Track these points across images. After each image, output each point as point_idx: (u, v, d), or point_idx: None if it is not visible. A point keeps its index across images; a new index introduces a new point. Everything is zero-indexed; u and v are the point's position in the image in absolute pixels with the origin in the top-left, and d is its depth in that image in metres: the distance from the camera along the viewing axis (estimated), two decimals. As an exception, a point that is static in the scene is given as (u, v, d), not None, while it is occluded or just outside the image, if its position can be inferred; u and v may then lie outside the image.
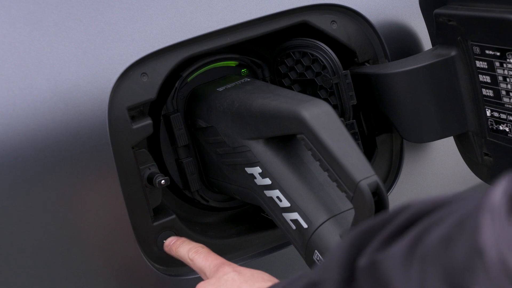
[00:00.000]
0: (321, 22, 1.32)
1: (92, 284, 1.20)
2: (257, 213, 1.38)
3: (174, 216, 1.26)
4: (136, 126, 1.19)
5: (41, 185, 1.12)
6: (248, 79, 1.31)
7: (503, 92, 1.18)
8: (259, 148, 1.19)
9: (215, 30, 1.23)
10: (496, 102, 1.20)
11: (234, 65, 1.36)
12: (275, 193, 1.17)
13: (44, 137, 1.11)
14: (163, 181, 1.21)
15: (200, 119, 1.29)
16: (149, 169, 1.23)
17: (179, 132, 1.29)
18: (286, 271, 1.35)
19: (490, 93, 1.21)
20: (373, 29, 1.34)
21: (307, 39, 1.32)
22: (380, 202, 1.02)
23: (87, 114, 1.14)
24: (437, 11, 1.24)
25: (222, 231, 1.35)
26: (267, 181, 1.18)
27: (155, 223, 1.24)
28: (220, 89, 1.28)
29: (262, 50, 1.40)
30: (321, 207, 1.11)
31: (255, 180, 1.20)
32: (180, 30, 1.21)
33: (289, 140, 1.19)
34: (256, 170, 1.19)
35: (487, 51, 1.18)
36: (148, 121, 1.20)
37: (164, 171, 1.31)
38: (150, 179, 1.22)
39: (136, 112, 1.21)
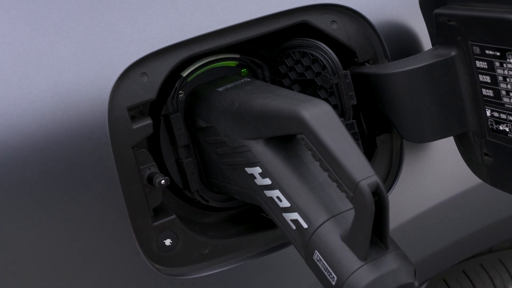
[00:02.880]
0: (321, 22, 1.32)
1: (92, 284, 1.20)
2: (257, 213, 1.38)
3: (174, 216, 1.26)
4: (136, 126, 1.19)
5: (41, 185, 1.12)
6: (248, 79, 1.31)
7: (503, 92, 1.18)
8: (259, 148, 1.19)
9: (215, 30, 1.23)
10: (496, 102, 1.20)
11: (234, 65, 1.36)
12: (275, 193, 1.17)
13: (44, 137, 1.11)
14: (163, 181, 1.21)
15: (200, 119, 1.29)
16: (149, 169, 1.23)
17: (179, 132, 1.29)
18: (286, 271, 1.35)
19: (490, 93, 1.21)
20: (373, 29, 1.34)
21: (307, 39, 1.32)
22: (380, 202, 1.02)
23: (87, 114, 1.14)
24: (437, 11, 1.24)
25: (222, 231, 1.35)
26: (267, 181, 1.18)
27: (155, 223, 1.24)
28: (220, 89, 1.28)
29: (262, 50, 1.40)
30: (321, 207, 1.11)
31: (255, 180, 1.20)
32: (180, 30, 1.21)
33: (289, 140, 1.19)
34: (256, 170, 1.19)
35: (487, 51, 1.18)
36: (148, 121, 1.20)
37: (164, 171, 1.31)
38: (150, 179, 1.22)
39: (136, 112, 1.21)
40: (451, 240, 1.54)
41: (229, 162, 1.26)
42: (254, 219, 1.38)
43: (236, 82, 1.30)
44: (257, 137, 1.19)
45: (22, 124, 1.10)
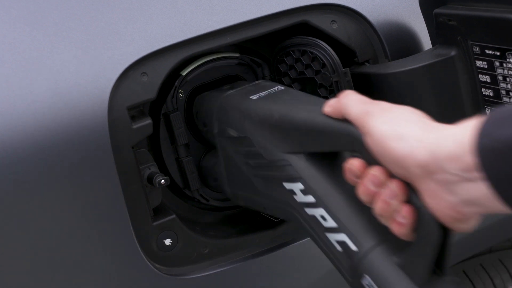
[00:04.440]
0: (321, 22, 1.32)
1: (92, 284, 1.20)
2: (257, 213, 1.38)
3: (174, 216, 1.26)
4: (136, 126, 1.19)
5: (41, 185, 1.12)
6: (282, 87, 1.25)
7: (503, 92, 1.18)
8: (302, 164, 1.11)
9: (215, 30, 1.23)
10: (496, 102, 1.20)
11: (234, 64, 1.36)
12: (319, 212, 1.09)
13: (44, 137, 1.11)
14: (163, 180, 1.21)
15: (231, 128, 1.23)
16: (149, 168, 1.23)
17: (179, 131, 1.29)
18: (286, 271, 1.35)
19: (490, 93, 1.21)
20: (373, 29, 1.34)
21: (307, 37, 1.32)
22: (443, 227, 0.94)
23: (87, 114, 1.14)
24: (437, 11, 1.24)
25: (222, 231, 1.35)
26: (310, 198, 1.10)
27: (155, 223, 1.24)
28: (254, 97, 1.22)
29: (262, 49, 1.40)
30: (372, 229, 1.03)
31: (294, 196, 1.12)
32: (180, 30, 1.21)
33: (334, 157, 1.10)
34: (297, 186, 1.12)
35: (487, 51, 1.18)
36: (148, 121, 1.20)
37: (164, 171, 1.31)
38: (150, 179, 1.22)
39: (136, 112, 1.21)
40: (451, 240, 1.54)
41: (262, 175, 1.19)
42: (254, 219, 1.38)
43: (270, 90, 1.23)
44: (299, 151, 1.12)
45: (22, 124, 1.10)
